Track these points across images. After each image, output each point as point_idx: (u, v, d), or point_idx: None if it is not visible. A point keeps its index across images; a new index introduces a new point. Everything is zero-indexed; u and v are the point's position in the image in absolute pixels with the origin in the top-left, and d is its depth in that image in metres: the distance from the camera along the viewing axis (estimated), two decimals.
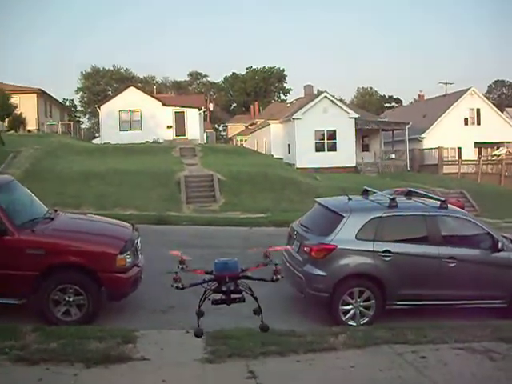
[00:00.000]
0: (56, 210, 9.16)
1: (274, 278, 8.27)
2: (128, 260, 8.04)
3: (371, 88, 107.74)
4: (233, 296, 8.33)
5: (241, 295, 8.43)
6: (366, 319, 8.52)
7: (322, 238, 8.64)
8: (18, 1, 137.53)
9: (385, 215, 8.76)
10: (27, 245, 7.67)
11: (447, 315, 8.66)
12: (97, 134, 66.02)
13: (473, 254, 8.91)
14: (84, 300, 7.79)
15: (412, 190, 10.65)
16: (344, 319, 8.48)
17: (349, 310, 8.53)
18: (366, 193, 10.23)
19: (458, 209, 10.01)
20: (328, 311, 8.66)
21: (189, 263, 8.25)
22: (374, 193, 10.15)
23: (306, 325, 8.60)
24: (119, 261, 7.89)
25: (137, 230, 9.09)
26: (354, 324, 8.42)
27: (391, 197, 9.10)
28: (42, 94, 43.49)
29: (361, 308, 8.54)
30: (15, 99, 40.06)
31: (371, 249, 8.53)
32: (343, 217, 8.72)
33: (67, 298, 7.76)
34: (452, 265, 8.67)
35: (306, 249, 8.73)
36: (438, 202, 9.39)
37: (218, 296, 8.31)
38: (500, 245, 8.91)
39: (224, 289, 7.82)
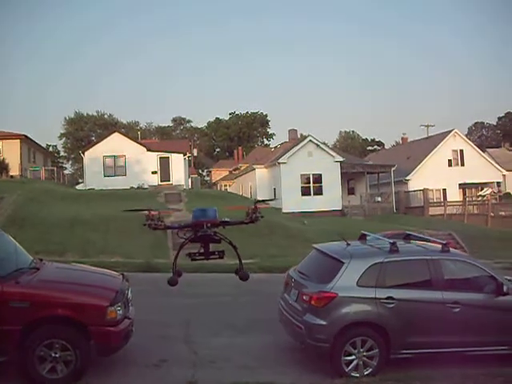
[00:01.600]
0: (41, 260, 8.71)
1: (253, 217, 8.15)
2: (119, 312, 7.57)
3: (353, 131, 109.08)
4: (211, 250, 8.12)
5: (220, 251, 8.58)
6: (370, 370, 8.11)
7: (322, 285, 8.27)
8: (1, 47, 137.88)
9: (386, 260, 8.43)
10: (11, 297, 7.18)
11: (455, 363, 8.28)
12: (80, 180, 65.56)
13: (477, 299, 8.59)
14: (71, 356, 7.26)
15: (410, 233, 10.38)
16: (346, 370, 8.07)
17: (351, 361, 8.12)
18: (363, 237, 9.92)
19: (460, 252, 9.71)
20: (329, 362, 8.23)
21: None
22: (374, 237, 9.84)
23: (306, 377, 8.27)
24: (109, 313, 7.41)
25: (127, 279, 8.65)
26: (357, 375, 8.02)
27: (391, 241, 8.78)
28: (25, 140, 43.11)
29: (364, 358, 8.13)
30: None
31: (373, 296, 8.17)
32: (343, 263, 8.38)
33: (53, 354, 7.22)
34: (456, 310, 8.34)
35: (305, 297, 8.35)
36: (439, 245, 9.11)
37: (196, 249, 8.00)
38: (505, 288, 8.59)
39: (200, 234, 7.97)
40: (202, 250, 8.63)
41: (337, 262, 8.50)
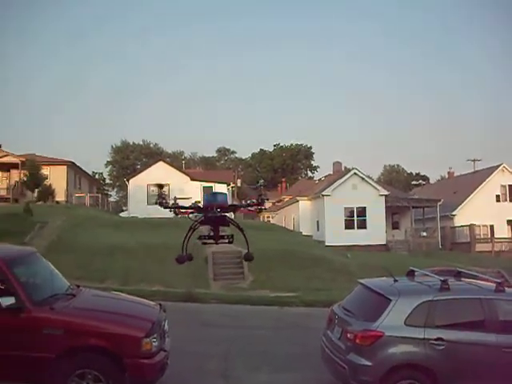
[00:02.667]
0: (78, 286, 8.51)
1: (260, 200, 8.39)
2: (154, 344, 7.26)
3: (398, 165, 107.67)
4: (221, 233, 8.35)
5: (230, 235, 8.53)
6: None
7: (368, 323, 7.82)
8: (53, 78, 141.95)
9: (436, 299, 7.94)
10: (44, 324, 6.98)
11: None
12: (124, 207, 66.19)
13: None
14: None
15: (461, 270, 9.84)
16: None
17: None
18: (411, 273, 9.44)
19: None
20: None
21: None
22: (422, 274, 9.36)
23: None
24: (145, 345, 7.11)
25: (164, 310, 8.35)
26: None
27: (442, 278, 8.28)
28: (72, 166, 43.87)
29: None
30: (46, 170, 40.42)
31: (422, 336, 7.67)
32: (391, 300, 7.91)
33: None
34: None
35: (349, 335, 7.90)
36: (493, 284, 8.57)
37: (207, 232, 8.04)
38: None
39: (210, 215, 8.03)
40: (211, 233, 8.61)
41: (384, 298, 8.05)
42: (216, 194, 8.31)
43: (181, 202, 9.02)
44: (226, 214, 8.18)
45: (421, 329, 7.71)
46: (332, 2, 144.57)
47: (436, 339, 7.67)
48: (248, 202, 9.53)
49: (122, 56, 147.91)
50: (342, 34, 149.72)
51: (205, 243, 8.77)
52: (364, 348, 7.68)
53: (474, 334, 7.86)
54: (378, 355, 7.61)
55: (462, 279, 9.20)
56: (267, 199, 8.98)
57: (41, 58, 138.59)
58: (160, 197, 8.36)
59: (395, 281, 8.69)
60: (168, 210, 8.83)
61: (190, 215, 8.37)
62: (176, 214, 9.09)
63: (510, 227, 47.67)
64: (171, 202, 8.89)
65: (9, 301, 6.94)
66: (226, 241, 8.79)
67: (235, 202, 7.77)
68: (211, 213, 8.08)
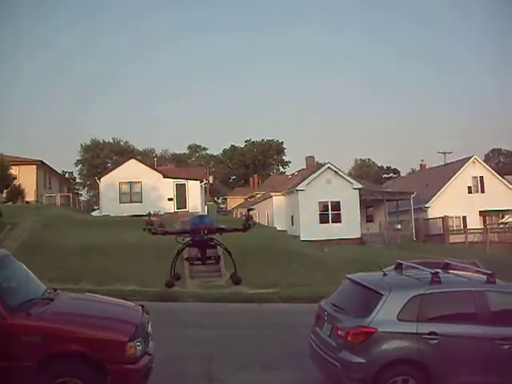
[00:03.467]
0: (56, 289, 8.08)
1: (247, 225, 8.56)
2: (138, 348, 6.89)
3: (369, 159, 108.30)
4: (207, 254, 8.54)
5: (216, 256, 8.84)
6: None
7: (359, 319, 7.57)
8: (19, 73, 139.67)
9: (428, 292, 7.73)
10: (21, 331, 6.56)
11: None
12: (95, 207, 65.38)
13: None
14: None
15: (449, 262, 9.66)
16: None
17: None
18: (399, 267, 9.23)
19: (507, 283, 8.93)
20: None
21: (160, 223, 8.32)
22: (411, 266, 9.16)
23: None
24: (129, 349, 6.73)
25: (147, 312, 7.98)
26: None
27: (433, 271, 8.08)
28: (41, 166, 43.01)
29: None
30: (15, 170, 39.43)
31: (415, 331, 7.46)
32: (382, 295, 7.68)
33: None
34: (506, 347, 7.59)
35: (340, 332, 7.65)
36: (483, 276, 8.41)
37: (194, 253, 8.32)
38: None
39: (197, 238, 8.33)
40: (198, 255, 8.73)
41: (374, 293, 7.81)
42: (203, 216, 8.59)
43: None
44: (213, 236, 8.46)
45: (413, 323, 7.51)
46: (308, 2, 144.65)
47: (429, 333, 7.47)
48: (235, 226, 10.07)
49: (91, 53, 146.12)
50: (314, 27, 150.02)
51: (192, 264, 8.78)
52: (356, 345, 7.44)
53: (466, 327, 7.68)
54: (371, 352, 7.37)
55: (450, 271, 9.04)
56: (254, 224, 9.60)
57: (9, 56, 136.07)
58: (148, 224, 8.66)
59: (384, 275, 8.46)
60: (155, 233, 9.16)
61: (178, 238, 8.69)
62: (162, 235, 9.58)
63: (482, 218, 48.13)
64: (159, 228, 9.26)
65: None
66: (213, 261, 9.17)
67: (221, 225, 8.15)
68: (198, 236, 8.39)
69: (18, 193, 38.09)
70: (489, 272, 8.48)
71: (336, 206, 41.99)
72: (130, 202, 42.38)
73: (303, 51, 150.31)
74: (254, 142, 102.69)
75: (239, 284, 9.14)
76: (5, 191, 37.79)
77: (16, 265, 7.97)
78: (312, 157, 54.73)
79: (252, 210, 10.57)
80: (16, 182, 38.64)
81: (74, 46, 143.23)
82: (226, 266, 23.62)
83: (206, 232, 8.28)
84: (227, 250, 8.40)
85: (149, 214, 8.57)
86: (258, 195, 61.08)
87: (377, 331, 7.39)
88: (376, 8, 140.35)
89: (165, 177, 43.89)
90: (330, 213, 41.91)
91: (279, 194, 47.20)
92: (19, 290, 7.38)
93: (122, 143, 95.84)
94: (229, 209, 78.04)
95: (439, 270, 8.24)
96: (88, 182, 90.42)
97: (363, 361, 7.33)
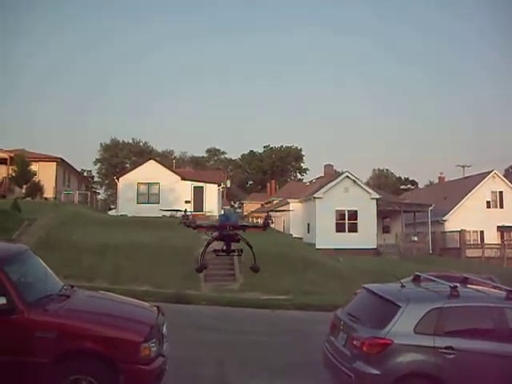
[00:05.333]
0: (73, 286, 8.09)
1: (266, 223, 10.06)
2: (153, 349, 6.86)
3: (387, 170, 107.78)
4: (232, 248, 9.89)
5: (239, 250, 10.07)
6: None
7: (376, 330, 7.49)
8: (43, 75, 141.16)
9: (446, 306, 7.64)
10: (37, 326, 6.55)
11: None
12: (112, 206, 65.64)
13: None
14: None
15: (468, 276, 9.54)
16: None
17: None
18: (417, 279, 9.13)
19: None
20: None
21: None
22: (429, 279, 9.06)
23: None
24: (143, 350, 6.70)
25: (163, 313, 7.95)
26: None
27: (452, 285, 7.98)
28: (61, 163, 43.26)
29: None
30: (35, 166, 39.79)
31: (432, 344, 7.36)
32: (399, 307, 7.59)
33: None
34: None
35: (355, 342, 7.57)
36: (503, 292, 8.29)
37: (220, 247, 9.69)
38: None
39: (224, 233, 9.61)
40: (224, 248, 10.01)
41: (392, 305, 7.72)
42: (229, 215, 9.99)
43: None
44: (237, 232, 9.53)
45: (430, 337, 7.41)
46: (320, 14, 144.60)
47: (446, 347, 7.37)
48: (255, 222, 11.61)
49: (112, 54, 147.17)
50: (331, 36, 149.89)
51: (218, 255, 10.13)
52: (371, 356, 7.36)
53: (484, 343, 7.57)
54: (387, 364, 7.29)
55: (469, 286, 8.92)
56: (272, 222, 11.03)
57: (31, 55, 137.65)
58: (184, 218, 10.00)
59: (402, 286, 8.38)
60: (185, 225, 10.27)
61: (207, 232, 10.08)
62: (193, 229, 10.63)
63: (499, 233, 47.60)
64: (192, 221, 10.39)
65: None
66: (236, 254, 10.23)
67: (244, 223, 10.54)
68: (225, 231, 9.61)
69: (37, 189, 38.35)
70: (509, 288, 8.36)
71: (353, 215, 41.78)
72: (148, 202, 42.48)
73: (327, 60, 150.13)
74: (272, 147, 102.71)
75: (258, 272, 10.08)
76: (24, 187, 38.08)
77: (34, 260, 8.00)
78: (330, 165, 54.54)
79: (272, 211, 11.96)
80: (36, 178, 38.95)
81: (94, 43, 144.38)
82: (240, 272, 23.71)
83: (231, 228, 9.48)
84: (249, 244, 9.29)
85: (185, 211, 9.72)
86: (274, 201, 60.96)
87: (393, 343, 7.31)
88: (395, 28, 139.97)
89: (183, 179, 43.96)
90: (346, 222, 41.68)
91: (296, 200, 47.07)
92: (37, 286, 7.40)
93: (141, 144, 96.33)
94: (245, 213, 77.97)
95: (458, 284, 8.13)
96: (106, 181, 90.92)
97: (378, 372, 7.25)
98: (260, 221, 11.53)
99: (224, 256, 10.30)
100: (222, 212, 43.67)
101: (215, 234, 9.99)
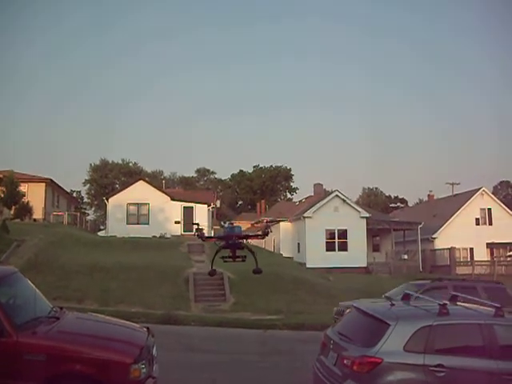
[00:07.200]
0: (62, 308, 8.05)
1: (266, 231, 11.29)
2: (143, 371, 6.80)
3: (376, 188, 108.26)
4: (237, 254, 11.26)
5: (244, 256, 11.39)
6: None
7: (365, 349, 7.47)
8: (32, 94, 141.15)
9: (435, 324, 7.63)
10: (26, 349, 6.49)
11: None
12: (102, 227, 65.34)
13: None
14: None
15: (457, 294, 9.56)
16: None
17: None
18: (407, 297, 9.15)
19: None
20: None
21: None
22: (417, 297, 9.10)
23: None
24: (133, 371, 6.64)
25: (152, 334, 7.92)
26: None
27: (441, 303, 8.01)
28: (50, 184, 43.15)
29: None
30: (23, 187, 39.62)
31: (422, 362, 7.34)
32: (389, 325, 7.59)
33: None
34: None
35: (346, 361, 7.55)
36: (491, 309, 8.32)
37: (227, 254, 11.11)
38: None
39: (230, 242, 10.99)
40: (230, 255, 11.39)
41: (381, 323, 7.73)
42: (234, 227, 11.47)
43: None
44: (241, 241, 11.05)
45: (420, 355, 7.40)
46: (317, 15, 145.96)
47: (436, 365, 7.35)
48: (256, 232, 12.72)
49: (102, 76, 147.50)
50: (319, 56, 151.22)
51: (226, 261, 11.48)
52: (362, 375, 7.33)
53: (474, 361, 7.56)
54: (377, 382, 7.26)
55: (458, 303, 8.96)
56: (271, 231, 12.00)
57: (22, 75, 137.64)
58: (198, 230, 11.34)
59: (392, 305, 8.40)
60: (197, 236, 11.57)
61: (216, 242, 11.75)
62: (203, 240, 12.29)
63: (489, 250, 47.86)
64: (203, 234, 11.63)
65: None
66: (241, 259, 11.46)
67: (248, 233, 13.77)
68: (231, 240, 11.01)
69: (26, 210, 38.15)
70: (497, 305, 8.40)
71: (343, 234, 41.89)
72: (137, 223, 42.42)
73: (313, 80, 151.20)
74: (262, 167, 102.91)
75: (260, 273, 11.82)
76: (13, 208, 37.88)
77: (24, 282, 7.96)
78: (320, 184, 54.78)
79: (271, 221, 13.71)
80: (25, 200, 38.78)
81: (86, 65, 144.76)
82: (231, 292, 23.67)
83: (236, 238, 11.10)
84: (251, 250, 11.13)
85: (197, 224, 11.84)
86: (264, 220, 60.96)
87: (383, 361, 7.29)
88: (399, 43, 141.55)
89: (172, 199, 43.95)
90: (336, 241, 41.79)
91: (286, 220, 47.15)
92: (26, 308, 7.34)
93: (130, 164, 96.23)
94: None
95: (447, 302, 8.17)
96: (95, 202, 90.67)
97: None
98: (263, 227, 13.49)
99: (231, 262, 11.54)
100: (212, 233, 44.01)
101: (222, 243, 11.21)
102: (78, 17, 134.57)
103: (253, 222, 71.25)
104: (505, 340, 7.87)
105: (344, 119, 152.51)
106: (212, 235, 14.60)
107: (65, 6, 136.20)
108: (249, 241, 11.77)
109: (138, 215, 43.22)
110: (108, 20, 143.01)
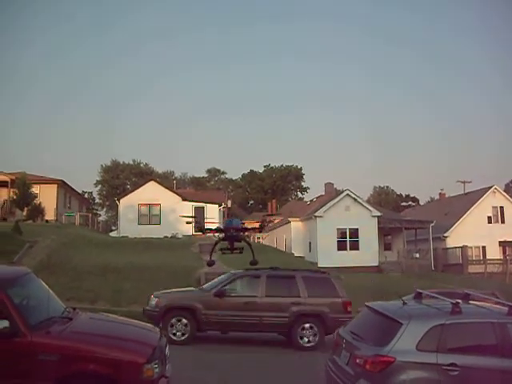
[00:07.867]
0: (75, 309, 8.10)
1: (263, 225, 12.05)
2: (156, 370, 6.84)
3: (387, 187, 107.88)
4: (235, 246, 11.80)
5: (241, 248, 12.08)
6: None
7: (378, 348, 7.47)
8: (43, 97, 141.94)
9: (448, 322, 7.62)
10: (40, 349, 6.54)
11: None
12: (113, 227, 65.62)
13: None
14: None
15: (470, 292, 9.52)
16: None
17: None
18: (419, 296, 9.12)
19: None
20: None
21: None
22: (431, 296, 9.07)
23: None
24: (146, 371, 6.68)
25: (165, 334, 7.96)
26: None
27: (453, 301, 7.98)
28: (62, 185, 43.40)
29: None
30: (36, 189, 39.96)
31: (435, 361, 7.32)
32: (402, 324, 7.58)
33: None
34: None
35: (358, 360, 7.55)
36: (504, 308, 8.28)
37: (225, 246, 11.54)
38: None
39: (228, 234, 11.65)
40: (229, 247, 12.00)
41: (394, 322, 7.71)
42: (232, 220, 12.01)
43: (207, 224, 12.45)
44: (240, 233, 11.42)
45: (433, 354, 7.38)
46: (325, 18, 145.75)
47: (449, 365, 7.33)
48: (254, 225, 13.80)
49: (112, 75, 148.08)
50: (331, 56, 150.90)
51: (224, 253, 12.13)
52: (374, 374, 7.32)
53: (487, 360, 7.53)
54: (390, 381, 7.25)
55: (471, 302, 8.92)
56: (267, 225, 12.97)
57: (31, 76, 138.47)
58: (197, 222, 12.33)
59: (404, 303, 8.38)
60: (198, 230, 12.52)
61: (216, 234, 12.04)
62: (203, 233, 13.20)
63: (501, 248, 47.57)
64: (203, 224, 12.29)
65: (2, 324, 6.53)
66: (238, 251, 12.18)
67: (246, 226, 14.33)
68: (229, 233, 11.66)
69: (38, 211, 38.41)
70: (510, 304, 8.36)
71: (354, 233, 41.78)
72: (149, 223, 42.61)
73: (324, 80, 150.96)
74: (273, 167, 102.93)
75: (256, 265, 12.35)
76: (25, 209, 38.14)
77: (37, 283, 8.02)
78: (331, 183, 54.59)
79: (269, 215, 14.81)
80: (37, 201, 39.04)
81: (95, 65, 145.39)
82: None
83: (234, 230, 11.68)
84: (249, 243, 11.72)
85: (195, 217, 11.69)
86: (275, 220, 61.01)
87: (396, 360, 7.28)
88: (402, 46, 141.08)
89: (184, 200, 44.07)
90: (347, 240, 41.68)
91: (297, 219, 47.12)
92: (39, 308, 7.39)
93: (141, 165, 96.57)
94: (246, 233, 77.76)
95: (460, 301, 8.13)
96: (107, 203, 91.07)
97: None
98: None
99: (229, 254, 11.99)
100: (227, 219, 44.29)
101: (221, 235, 11.74)
102: (77, 17, 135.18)
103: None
104: None
105: (354, 119, 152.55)
106: (211, 227, 14.99)
107: (65, 6, 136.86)
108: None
109: (150, 216, 43.40)
110: (108, 20, 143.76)
